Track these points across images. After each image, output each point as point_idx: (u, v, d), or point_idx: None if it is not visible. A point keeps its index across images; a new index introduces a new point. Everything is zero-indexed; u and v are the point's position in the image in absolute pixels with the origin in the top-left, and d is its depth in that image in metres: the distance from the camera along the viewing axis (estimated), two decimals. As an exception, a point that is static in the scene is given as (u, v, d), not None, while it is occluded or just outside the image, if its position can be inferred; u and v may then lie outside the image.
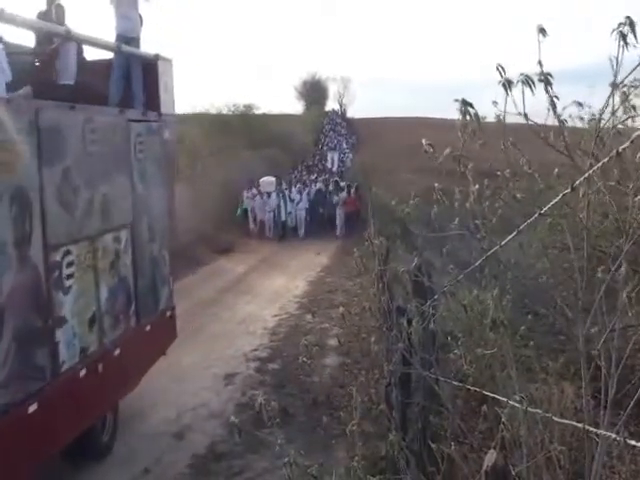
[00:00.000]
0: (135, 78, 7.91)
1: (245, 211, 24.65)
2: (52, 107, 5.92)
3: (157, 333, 7.91)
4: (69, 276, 5.88)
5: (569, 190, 2.32)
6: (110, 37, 7.82)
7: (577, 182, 2.25)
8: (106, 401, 6.83)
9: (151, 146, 7.84)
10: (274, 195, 24.40)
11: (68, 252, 5.87)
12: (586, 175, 2.20)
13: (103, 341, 6.49)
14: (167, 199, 8.40)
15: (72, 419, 5.99)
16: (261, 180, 25.26)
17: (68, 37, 6.90)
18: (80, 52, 7.71)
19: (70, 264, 5.90)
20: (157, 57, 8.19)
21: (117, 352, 6.75)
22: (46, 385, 5.52)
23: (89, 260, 6.26)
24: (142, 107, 7.88)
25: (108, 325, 6.62)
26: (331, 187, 26.53)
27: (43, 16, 7.58)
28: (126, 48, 7.71)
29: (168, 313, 8.44)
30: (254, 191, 24.59)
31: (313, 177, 29.88)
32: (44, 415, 5.39)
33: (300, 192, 25.15)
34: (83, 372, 6.06)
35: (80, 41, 7.34)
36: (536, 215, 2.68)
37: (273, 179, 25.58)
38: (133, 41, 8.01)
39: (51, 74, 7.33)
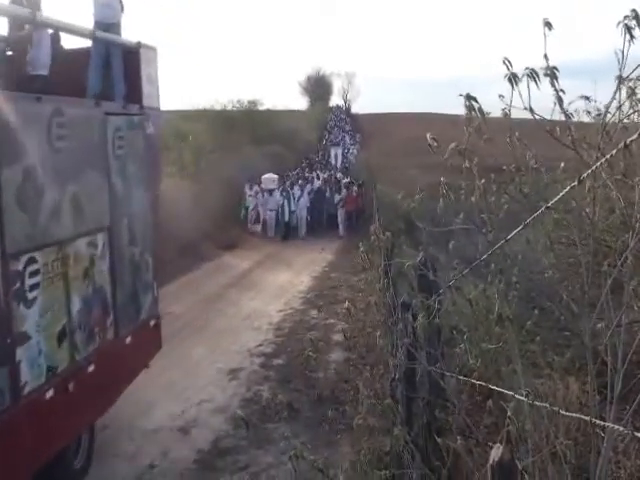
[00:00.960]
0: (115, 68, 7.29)
1: (247, 209, 24.17)
2: (11, 99, 5.23)
3: (139, 345, 7.25)
4: (33, 287, 5.25)
5: (576, 183, 2.32)
6: (90, 24, 7.24)
7: (584, 175, 2.25)
8: (79, 423, 6.20)
9: (132, 141, 7.15)
10: (277, 193, 23.82)
11: (32, 260, 5.25)
12: (593, 168, 2.20)
13: (75, 358, 5.90)
14: (151, 199, 7.70)
15: (37, 447, 5.37)
16: (262, 177, 24.63)
17: (40, 23, 6.32)
18: (57, 40, 7.25)
19: (34, 273, 5.28)
20: (139, 45, 7.50)
21: (91, 368, 6.16)
22: (4, 410, 4.93)
23: (58, 268, 5.63)
24: (122, 99, 7.23)
25: (81, 339, 6.01)
26: (331, 185, 26.09)
27: (17, 2, 6.90)
28: (104, 35, 7.11)
29: (152, 322, 7.78)
30: (256, 189, 24.22)
31: (315, 174, 29.42)
32: (2, 444, 4.91)
33: (301, 188, 24.78)
34: (50, 393, 5.45)
35: (53, 28, 6.78)
36: (542, 209, 2.68)
37: (275, 176, 24.86)
38: (113, 27, 7.38)
39: (24, 64, 6.81)
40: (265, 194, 23.90)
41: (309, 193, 24.83)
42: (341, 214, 23.95)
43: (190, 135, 26.43)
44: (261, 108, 39.62)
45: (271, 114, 40.40)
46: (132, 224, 7.11)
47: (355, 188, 24.71)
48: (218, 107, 35.67)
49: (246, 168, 25.51)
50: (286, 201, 23.68)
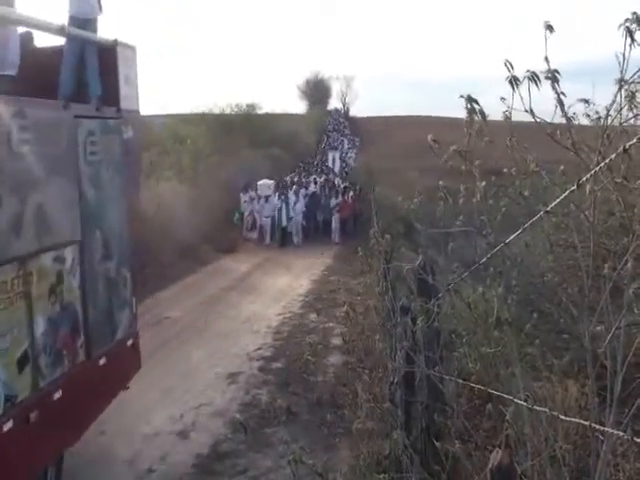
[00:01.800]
0: (90, 67, 6.73)
1: (242, 215, 23.17)
2: None
3: (114, 366, 6.61)
4: None
5: (575, 187, 2.32)
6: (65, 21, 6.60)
7: (583, 179, 2.25)
8: (42, 455, 5.63)
9: (107, 147, 6.55)
10: (275, 199, 22.94)
11: None
12: (592, 172, 2.20)
13: (39, 384, 5.33)
14: (129, 208, 7.04)
15: None
16: (258, 183, 23.65)
17: (5, 20, 5.83)
18: (29, 40, 6.83)
19: None
20: (116, 43, 6.89)
21: (58, 395, 5.59)
22: None
23: (18, 286, 5.09)
24: (97, 101, 6.64)
25: (46, 364, 5.46)
26: (327, 190, 25.44)
27: None
28: (78, 32, 6.55)
29: (129, 341, 7.13)
30: (252, 194, 23.53)
31: (310, 178, 28.64)
32: None
33: (296, 193, 23.71)
34: (9, 425, 4.92)
35: (20, 24, 6.21)
36: (542, 213, 2.68)
37: (270, 182, 23.93)
38: (89, 24, 6.82)
39: None
40: (261, 200, 23.03)
41: (304, 197, 23.85)
42: (336, 220, 23.07)
43: (189, 139, 26.46)
44: (260, 112, 39.83)
45: (270, 118, 40.58)
46: (107, 236, 6.54)
47: (352, 193, 24.08)
48: (217, 111, 35.81)
49: (245, 171, 25.45)
50: (284, 205, 22.65)
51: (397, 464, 4.70)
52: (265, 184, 23.62)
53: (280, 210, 22.55)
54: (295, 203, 22.97)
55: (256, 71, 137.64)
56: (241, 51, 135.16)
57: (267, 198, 22.93)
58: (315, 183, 27.00)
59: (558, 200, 2.62)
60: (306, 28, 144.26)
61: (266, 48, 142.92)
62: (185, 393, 8.72)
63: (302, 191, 24.31)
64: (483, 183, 2.87)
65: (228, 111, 36.74)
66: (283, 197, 22.97)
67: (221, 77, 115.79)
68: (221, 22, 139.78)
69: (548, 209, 2.69)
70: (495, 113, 2.59)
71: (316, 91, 77.38)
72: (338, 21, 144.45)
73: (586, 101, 2.55)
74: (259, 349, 10.82)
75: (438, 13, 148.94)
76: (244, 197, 23.60)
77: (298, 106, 74.87)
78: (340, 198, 23.70)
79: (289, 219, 22.72)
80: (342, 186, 25.77)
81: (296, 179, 28.30)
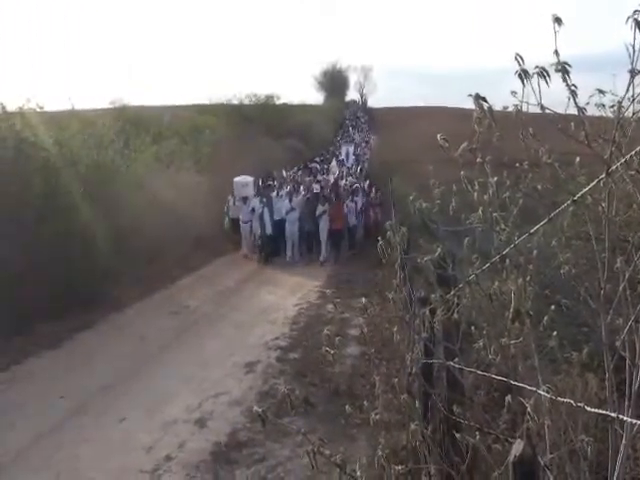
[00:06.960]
0: None
1: (234, 221, 19.17)
2: None
3: None
4: None
5: (604, 175, 2.31)
6: None
7: (613, 167, 2.24)
8: None
9: None
10: (256, 202, 18.26)
11: None
12: (623, 160, 2.19)
13: None
14: None
15: None
16: (234, 180, 19.13)
17: None
18: None
19: None
20: None
21: None
22: None
23: None
24: None
25: None
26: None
27: None
28: None
29: None
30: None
31: (310, 178, 24.10)
32: None
33: (289, 198, 18.92)
34: None
35: None
36: (569, 202, 2.67)
37: (249, 179, 19.26)
38: None
39: None
40: (237, 202, 18.97)
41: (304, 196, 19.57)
42: (324, 231, 18.47)
43: (207, 129, 26.57)
44: (278, 102, 40.05)
45: (288, 108, 40.75)
46: None
47: (363, 195, 20.78)
48: (235, 101, 36.03)
49: (262, 161, 25.40)
50: (266, 209, 18.08)
51: (415, 455, 4.71)
52: (241, 182, 19.15)
53: (262, 215, 18.06)
54: (288, 211, 18.47)
55: (274, 62, 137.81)
56: (260, 42, 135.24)
57: (245, 199, 18.68)
58: (318, 182, 22.68)
59: (585, 190, 2.61)
60: (324, 19, 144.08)
61: (284, 38, 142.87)
62: (203, 381, 8.80)
63: (297, 196, 19.56)
64: (495, 178, 2.86)
65: (247, 102, 36.98)
66: (265, 200, 18.38)
67: (240, 68, 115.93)
68: (240, 12, 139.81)
69: (575, 199, 2.68)
70: (511, 104, 2.58)
71: (333, 82, 77.12)
72: (356, 12, 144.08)
73: (601, 92, 2.54)
74: (276, 339, 10.87)
75: (458, 3, 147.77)
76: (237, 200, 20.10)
77: (316, 97, 74.80)
78: (328, 204, 18.63)
79: (280, 225, 18.40)
80: (354, 186, 21.80)
81: (294, 176, 24.60)
